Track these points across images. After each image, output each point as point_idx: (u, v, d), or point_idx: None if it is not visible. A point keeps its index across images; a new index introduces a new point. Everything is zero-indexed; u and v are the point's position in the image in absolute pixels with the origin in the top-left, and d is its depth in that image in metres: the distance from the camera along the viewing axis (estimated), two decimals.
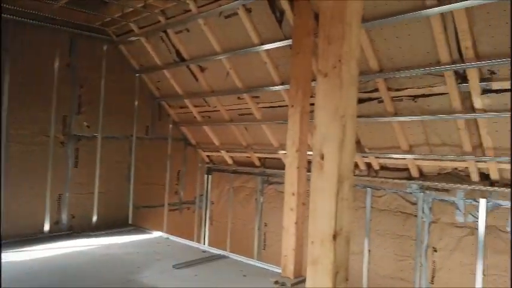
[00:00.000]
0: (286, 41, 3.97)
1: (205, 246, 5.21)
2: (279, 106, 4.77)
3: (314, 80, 3.61)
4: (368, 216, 4.63)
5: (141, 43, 5.26)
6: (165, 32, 4.90)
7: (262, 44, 4.18)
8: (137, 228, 5.54)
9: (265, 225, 5.85)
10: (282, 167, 5.16)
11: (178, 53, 5.09)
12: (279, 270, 3.69)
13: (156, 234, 5.27)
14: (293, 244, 3.49)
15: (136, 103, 5.85)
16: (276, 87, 4.49)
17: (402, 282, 4.34)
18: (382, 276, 4.49)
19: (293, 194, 3.54)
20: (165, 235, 5.26)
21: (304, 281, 3.05)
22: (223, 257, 4.35)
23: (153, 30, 4.95)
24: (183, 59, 5.11)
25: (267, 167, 5.79)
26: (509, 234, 3.54)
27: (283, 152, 5.12)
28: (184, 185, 6.53)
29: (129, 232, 5.29)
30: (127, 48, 5.60)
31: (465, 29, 2.97)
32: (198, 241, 6.53)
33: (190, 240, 5.56)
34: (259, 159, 5.85)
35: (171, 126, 6.31)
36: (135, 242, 4.85)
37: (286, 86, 4.32)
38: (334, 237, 2.14)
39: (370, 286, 4.57)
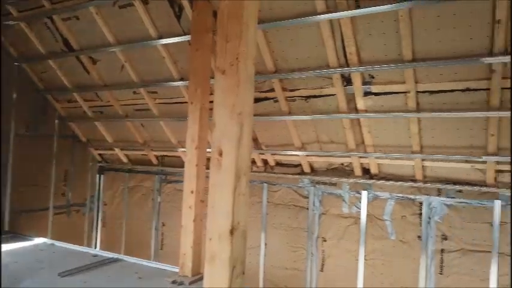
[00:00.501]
0: (185, 36, 3.91)
1: (97, 251, 4.87)
2: (178, 102, 4.68)
3: (213, 77, 3.62)
4: (264, 210, 4.82)
5: (21, 28, 4.70)
6: (50, 18, 4.45)
7: (160, 38, 4.06)
8: (16, 235, 4.94)
9: (163, 225, 5.70)
10: (181, 164, 5.08)
11: (66, 42, 4.66)
12: (177, 270, 3.62)
13: (39, 240, 4.76)
14: (191, 242, 3.45)
15: (14, 95, 5.22)
16: (175, 82, 4.39)
17: (295, 271, 4.61)
18: (278, 268, 4.71)
19: (192, 192, 3.50)
20: (49, 241, 4.78)
21: (202, 278, 3.05)
22: (117, 260, 4.12)
23: (36, 15, 4.46)
24: (71, 49, 4.70)
25: (165, 165, 5.64)
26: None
27: (183, 149, 5.05)
28: (72, 186, 6.03)
29: (5, 240, 4.69)
30: (4, 33, 4.95)
31: (350, 36, 3.26)
32: (89, 245, 6.09)
33: (80, 245, 5.15)
34: (157, 157, 5.67)
35: (57, 122, 5.76)
36: (13, 250, 4.32)
37: (186, 82, 4.26)
38: (232, 232, 2.18)
39: (266, 278, 4.76)
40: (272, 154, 4.58)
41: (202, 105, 3.55)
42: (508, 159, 3.39)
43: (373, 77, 3.51)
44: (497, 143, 3.37)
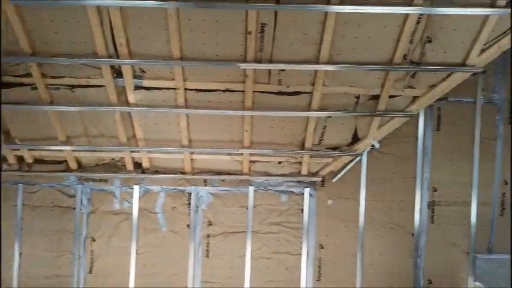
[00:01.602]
0: None
1: None
2: None
3: None
4: (19, 215, 4.16)
5: None
6: None
7: None
8: None
9: None
10: None
11: None
12: None
13: None
14: None
15: None
16: None
17: (60, 278, 4.18)
18: (37, 278, 4.17)
19: None
20: None
21: None
22: None
23: None
24: None
25: None
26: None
27: None
28: None
29: None
30: None
31: (119, 26, 3.15)
32: None
33: None
34: None
35: None
36: None
37: None
38: None
39: None
40: (29, 150, 4.00)
41: None
42: (259, 151, 4.00)
43: (144, 71, 3.51)
44: (250, 138, 3.92)
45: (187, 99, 3.68)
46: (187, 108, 3.70)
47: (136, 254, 4.20)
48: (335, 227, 4.34)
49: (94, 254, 4.21)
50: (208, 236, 4.30)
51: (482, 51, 3.34)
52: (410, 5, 2.99)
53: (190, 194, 4.29)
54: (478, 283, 4.29)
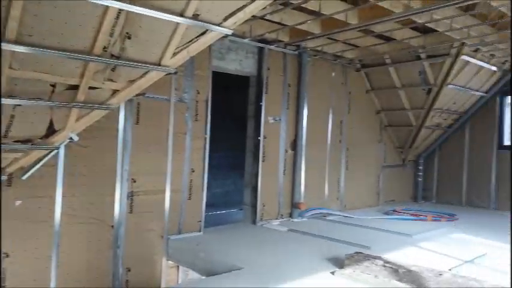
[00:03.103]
0: None
1: None
2: None
3: None
4: None
5: None
6: None
7: None
8: None
9: None
10: None
11: None
12: None
13: None
14: None
15: None
16: None
17: None
18: None
19: None
20: None
21: None
22: None
23: None
24: None
25: None
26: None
27: None
28: None
29: None
30: None
31: None
32: None
33: None
34: None
35: None
36: None
37: None
38: None
39: None
40: None
41: None
42: None
43: None
44: None
45: None
46: None
47: None
48: (24, 231, 3.84)
49: None
50: None
51: (174, 54, 3.72)
52: None
53: None
54: (170, 261, 4.82)
